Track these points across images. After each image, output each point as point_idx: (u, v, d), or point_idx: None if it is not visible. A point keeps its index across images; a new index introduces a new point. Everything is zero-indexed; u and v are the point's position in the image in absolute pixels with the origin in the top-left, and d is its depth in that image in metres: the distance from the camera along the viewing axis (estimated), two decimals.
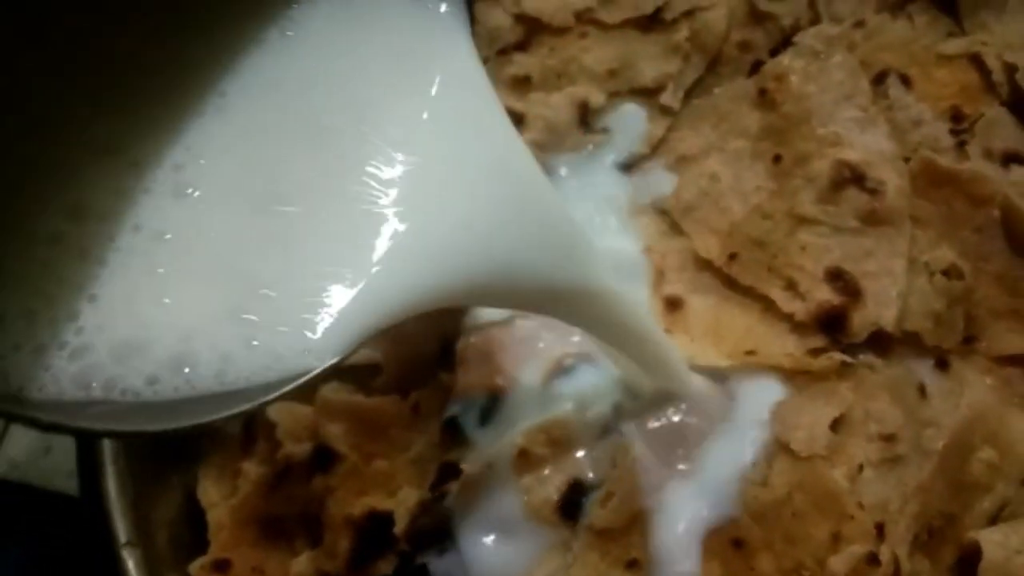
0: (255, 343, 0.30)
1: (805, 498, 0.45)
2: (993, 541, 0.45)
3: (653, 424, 0.48)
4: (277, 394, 0.30)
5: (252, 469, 0.54)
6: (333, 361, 0.30)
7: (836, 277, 0.50)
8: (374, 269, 0.31)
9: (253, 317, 0.31)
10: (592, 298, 0.39)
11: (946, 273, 0.50)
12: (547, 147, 0.57)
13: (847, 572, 0.43)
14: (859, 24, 0.58)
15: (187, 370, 0.30)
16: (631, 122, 0.58)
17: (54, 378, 0.30)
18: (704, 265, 0.53)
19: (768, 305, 0.51)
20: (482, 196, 0.34)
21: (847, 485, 0.45)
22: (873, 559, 0.43)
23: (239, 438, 0.55)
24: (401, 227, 0.32)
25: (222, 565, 0.51)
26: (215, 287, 0.31)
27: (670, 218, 0.55)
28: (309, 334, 0.30)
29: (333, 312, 0.31)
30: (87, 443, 0.51)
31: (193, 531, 0.54)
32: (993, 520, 0.47)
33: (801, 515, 0.45)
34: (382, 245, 0.32)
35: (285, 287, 0.31)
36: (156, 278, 0.31)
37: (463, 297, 0.35)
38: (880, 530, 0.44)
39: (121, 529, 0.50)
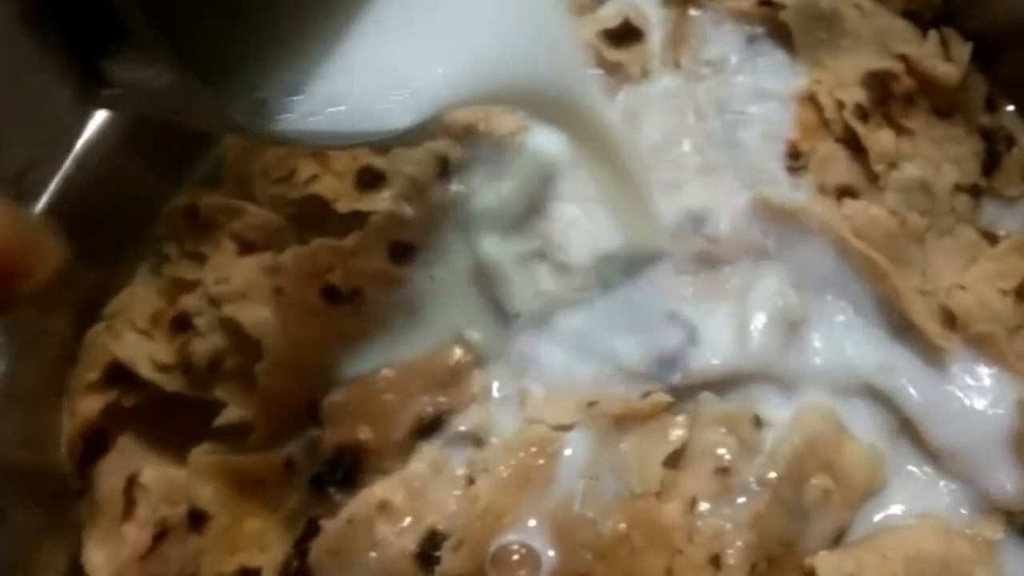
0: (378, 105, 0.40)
1: (641, 534, 0.47)
2: (829, 566, 0.47)
3: (504, 471, 0.50)
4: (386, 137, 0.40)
5: (132, 533, 0.55)
6: (416, 122, 0.41)
7: (673, 320, 0.52)
8: (441, 69, 0.41)
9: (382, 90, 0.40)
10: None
11: (783, 307, 0.52)
12: (408, 200, 0.59)
13: None
14: (707, 67, 0.61)
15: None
16: (490, 174, 0.60)
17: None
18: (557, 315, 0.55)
19: (614, 352, 0.52)
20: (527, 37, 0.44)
21: (679, 520, 0.47)
22: None
23: (120, 503, 0.56)
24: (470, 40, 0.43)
25: None
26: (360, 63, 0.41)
27: (526, 266, 0.57)
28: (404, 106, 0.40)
29: (418, 92, 0.41)
30: None
31: None
32: (832, 545, 0.48)
33: (639, 551, 0.46)
34: (454, 53, 0.42)
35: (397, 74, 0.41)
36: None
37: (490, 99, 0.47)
38: (715, 562, 0.46)
39: None
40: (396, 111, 0.40)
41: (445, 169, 0.59)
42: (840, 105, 0.56)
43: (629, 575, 0.46)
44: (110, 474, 0.57)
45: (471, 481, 0.50)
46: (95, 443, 0.58)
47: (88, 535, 0.57)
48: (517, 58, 0.44)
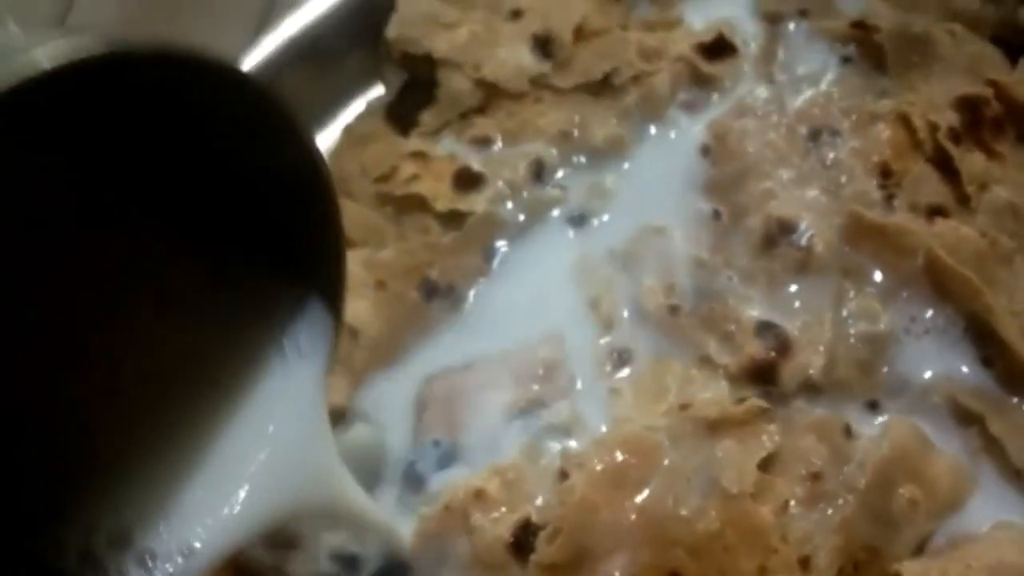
0: None
1: (735, 533, 0.48)
2: (914, 573, 0.48)
3: (599, 466, 0.52)
4: None
5: None
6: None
7: (766, 329, 0.53)
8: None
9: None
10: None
11: (873, 322, 0.54)
12: (504, 202, 0.61)
13: None
14: (800, 83, 0.62)
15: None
16: (584, 179, 0.62)
17: None
18: (648, 317, 0.56)
19: (705, 357, 0.54)
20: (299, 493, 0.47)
21: (773, 521, 0.48)
22: None
23: None
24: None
25: None
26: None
27: (618, 270, 0.58)
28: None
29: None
30: None
31: None
32: (915, 553, 0.50)
33: (732, 549, 0.48)
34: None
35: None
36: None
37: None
38: (805, 563, 0.48)
39: None
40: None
41: (541, 171, 0.61)
42: (933, 127, 0.57)
43: (722, 572, 0.48)
44: None
45: (565, 474, 0.52)
46: None
47: None
48: (297, 490, 0.46)
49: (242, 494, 0.44)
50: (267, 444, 0.45)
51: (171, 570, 0.43)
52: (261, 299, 0.47)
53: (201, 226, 0.46)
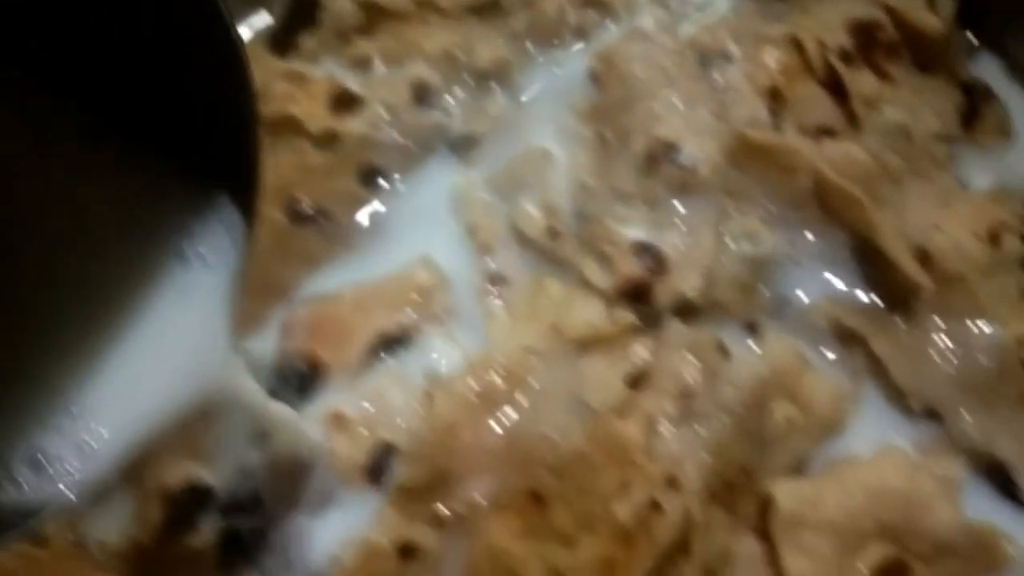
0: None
1: (599, 451, 0.46)
2: (787, 492, 0.46)
3: (465, 390, 0.49)
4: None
5: None
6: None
7: (643, 250, 0.51)
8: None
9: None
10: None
11: (756, 243, 0.51)
12: (383, 125, 0.58)
13: (631, 517, 0.43)
14: (692, 8, 0.60)
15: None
16: (468, 103, 0.59)
17: None
18: (527, 241, 0.54)
19: (583, 279, 0.51)
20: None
21: (639, 438, 0.46)
22: (656, 506, 0.43)
23: None
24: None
25: None
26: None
27: (499, 195, 0.56)
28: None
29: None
30: None
31: None
32: (791, 474, 0.47)
33: (595, 467, 0.45)
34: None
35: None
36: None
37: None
38: (672, 482, 0.45)
39: None
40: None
41: (424, 94, 0.58)
42: (823, 47, 0.55)
43: (584, 491, 0.45)
44: None
45: (431, 398, 0.49)
46: None
47: None
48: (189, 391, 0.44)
49: (142, 394, 0.42)
50: (166, 347, 0.43)
51: (69, 470, 0.40)
52: (168, 205, 0.43)
53: (112, 107, 0.41)
